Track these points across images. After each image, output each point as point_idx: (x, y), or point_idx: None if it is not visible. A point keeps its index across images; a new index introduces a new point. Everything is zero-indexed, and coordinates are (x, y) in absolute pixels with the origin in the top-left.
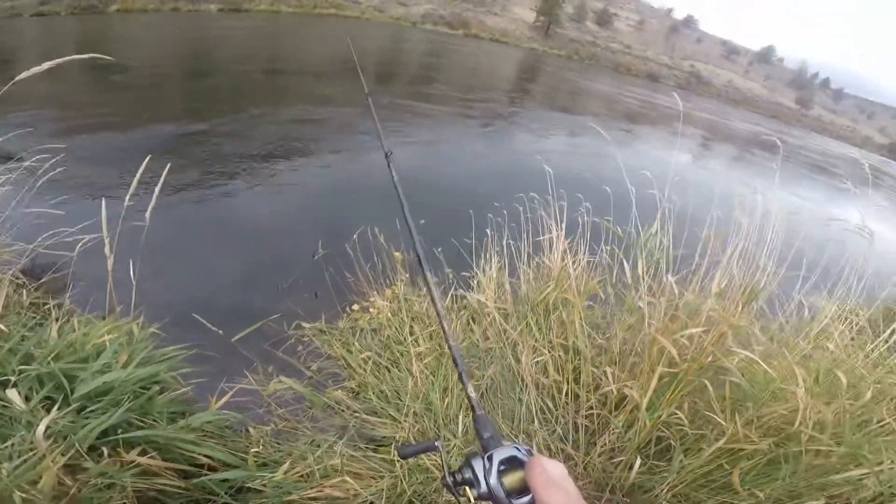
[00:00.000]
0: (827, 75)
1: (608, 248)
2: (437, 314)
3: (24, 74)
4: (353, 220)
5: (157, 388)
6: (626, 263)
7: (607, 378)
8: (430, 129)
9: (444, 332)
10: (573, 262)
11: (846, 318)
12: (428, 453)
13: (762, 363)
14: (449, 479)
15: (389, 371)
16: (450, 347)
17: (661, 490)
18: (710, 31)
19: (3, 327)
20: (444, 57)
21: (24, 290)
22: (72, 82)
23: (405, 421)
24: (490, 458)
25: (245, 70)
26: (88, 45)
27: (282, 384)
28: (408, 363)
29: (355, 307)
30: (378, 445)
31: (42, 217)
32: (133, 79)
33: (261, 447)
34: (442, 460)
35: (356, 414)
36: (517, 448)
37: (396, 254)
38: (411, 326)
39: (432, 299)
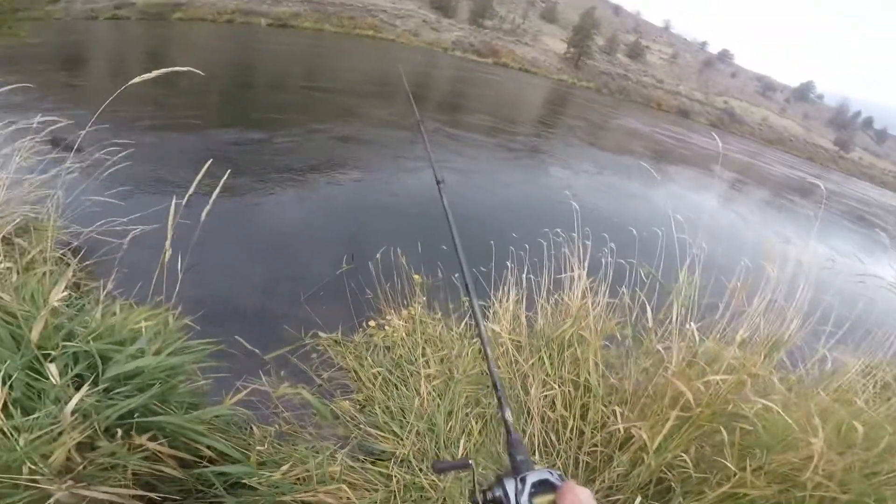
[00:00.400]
0: (870, 114)
1: (629, 290)
2: (482, 340)
3: (136, 79)
4: (379, 239)
5: (181, 377)
6: (648, 306)
7: (616, 417)
8: (461, 155)
9: (487, 357)
10: (593, 302)
11: (870, 373)
12: (456, 470)
13: (781, 412)
14: (479, 497)
15: (398, 389)
16: (491, 373)
17: None
18: (746, 66)
19: (58, 305)
20: (475, 85)
21: (73, 271)
22: (144, 84)
23: (407, 439)
24: (523, 480)
25: (298, 85)
26: (159, 50)
27: (291, 389)
28: (416, 383)
29: (371, 323)
30: (377, 459)
31: (100, 205)
32: (198, 85)
33: (264, 446)
34: (474, 479)
35: (360, 426)
36: (550, 472)
37: (416, 276)
38: (424, 348)
39: (477, 324)
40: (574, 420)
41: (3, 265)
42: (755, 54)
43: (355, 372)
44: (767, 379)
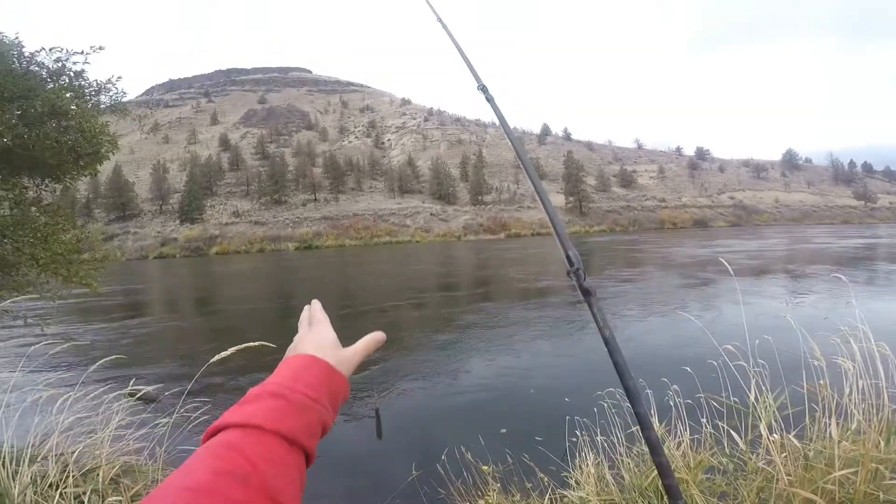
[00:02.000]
0: (863, 160)
1: (706, 422)
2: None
3: (216, 358)
4: (440, 442)
5: None
6: (732, 432)
7: None
8: (502, 340)
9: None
10: (674, 443)
11: None
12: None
13: None
14: None
15: None
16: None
17: None
18: (727, 157)
19: None
20: (496, 267)
21: None
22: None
23: None
24: None
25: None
26: (208, 286)
27: None
28: None
29: None
30: None
31: (190, 449)
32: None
33: None
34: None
35: None
36: None
37: (484, 467)
38: None
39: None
40: None
41: (114, 499)
42: (726, 142)
43: None
44: None
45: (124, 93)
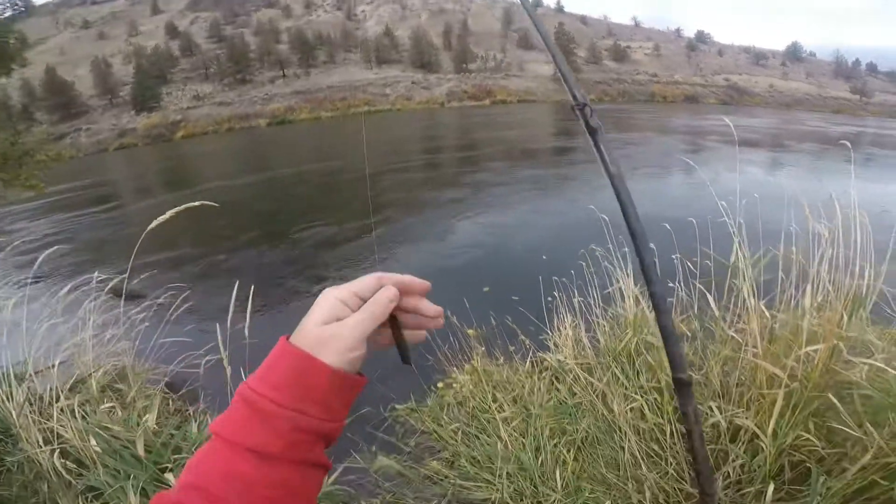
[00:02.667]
0: (869, 59)
1: (682, 286)
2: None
3: (154, 224)
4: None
5: None
6: (708, 295)
7: (714, 412)
8: (488, 203)
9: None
10: (648, 305)
11: None
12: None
13: (889, 369)
14: None
15: (479, 438)
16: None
17: None
18: (728, 42)
19: (155, 425)
20: (481, 130)
21: (170, 400)
22: (176, 218)
23: (499, 482)
24: None
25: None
26: (173, 173)
27: (385, 462)
28: (495, 429)
29: (440, 385)
30: None
31: (177, 344)
32: (221, 209)
33: None
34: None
35: (453, 481)
36: None
37: (470, 331)
38: (494, 394)
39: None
40: (672, 424)
41: (108, 405)
42: (730, 28)
43: (436, 433)
44: (862, 339)
45: None
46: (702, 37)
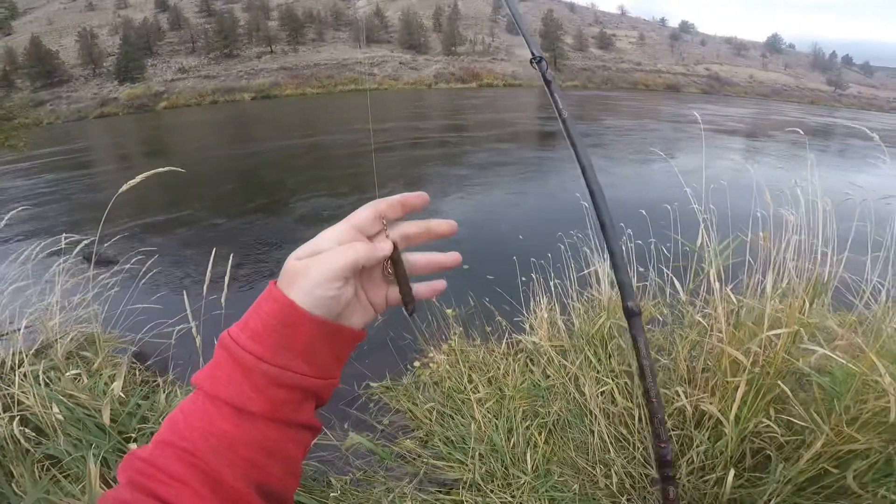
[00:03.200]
0: (845, 52)
1: (654, 270)
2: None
3: (124, 187)
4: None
5: None
6: (676, 282)
7: (680, 397)
8: (476, 186)
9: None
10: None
11: None
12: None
13: (836, 357)
14: None
15: (453, 418)
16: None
17: (764, 502)
18: (710, 32)
19: (122, 394)
20: (470, 112)
21: (137, 370)
22: (145, 184)
23: (471, 463)
24: None
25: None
26: (152, 142)
27: (357, 439)
28: (469, 409)
29: (416, 363)
30: (449, 489)
31: (146, 312)
32: (195, 176)
33: (339, 493)
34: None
35: (426, 461)
36: None
37: (448, 311)
38: (469, 375)
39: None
40: (640, 409)
41: (73, 372)
42: (714, 19)
43: (410, 412)
44: (823, 325)
45: None
46: (685, 27)
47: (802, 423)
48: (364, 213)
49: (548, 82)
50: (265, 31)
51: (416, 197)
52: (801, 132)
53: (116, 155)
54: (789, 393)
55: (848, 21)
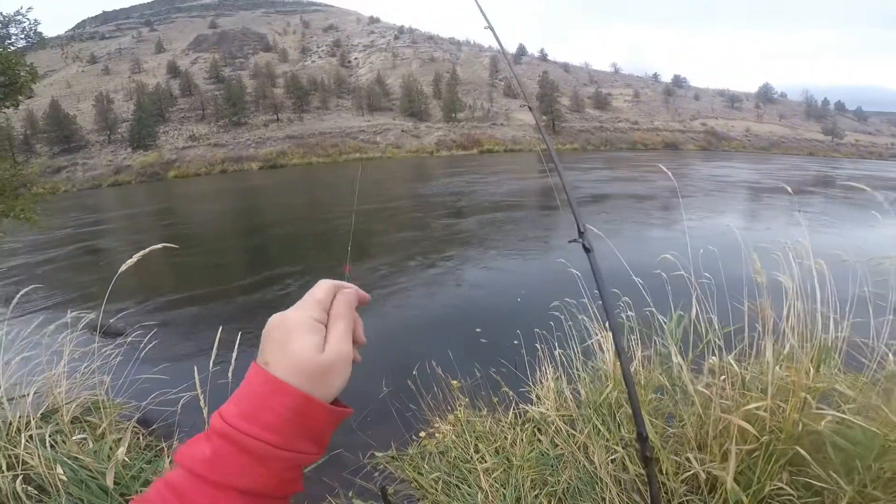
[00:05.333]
0: (837, 98)
1: (661, 338)
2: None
3: (123, 267)
4: (410, 357)
5: None
6: (673, 352)
7: (691, 463)
8: (470, 257)
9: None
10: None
11: None
12: None
13: (853, 419)
14: None
15: (459, 488)
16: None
17: None
18: (703, 86)
19: (126, 458)
20: (468, 188)
21: (141, 435)
22: (151, 261)
23: None
24: None
25: (300, 228)
26: (167, 216)
27: None
28: (476, 479)
29: (422, 434)
30: None
31: (150, 381)
32: (200, 253)
33: None
34: None
35: None
36: None
37: (454, 382)
38: (476, 445)
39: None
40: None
41: (79, 436)
42: (705, 72)
43: (416, 481)
44: (833, 388)
45: (38, 22)
46: (678, 81)
47: (823, 485)
48: (325, 292)
49: (587, 250)
50: (272, 98)
51: (363, 295)
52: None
53: (130, 227)
54: (806, 455)
55: (837, 62)
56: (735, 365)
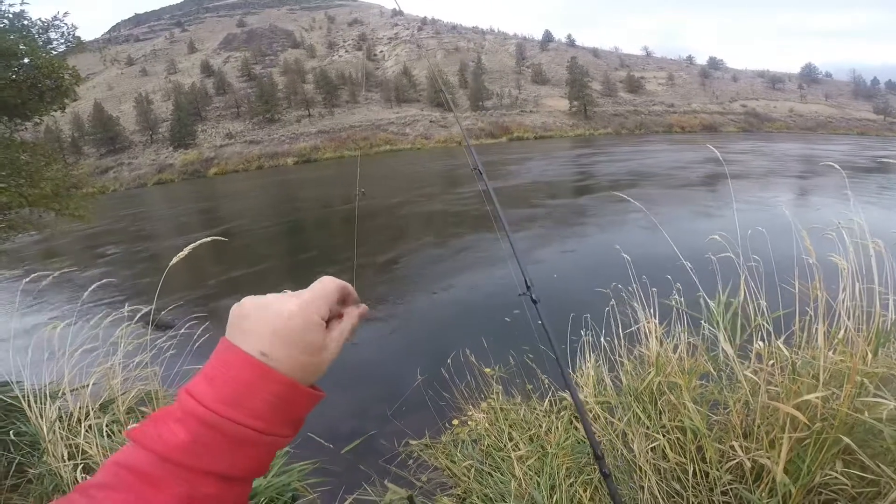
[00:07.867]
0: (887, 77)
1: (704, 324)
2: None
3: (174, 260)
4: (447, 346)
5: (289, 494)
6: (721, 336)
7: (738, 451)
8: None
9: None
10: (672, 346)
11: None
12: None
13: None
14: None
15: (492, 476)
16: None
17: None
18: (740, 67)
19: None
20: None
21: None
22: (199, 252)
23: None
24: None
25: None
26: (211, 211)
27: (395, 494)
28: (510, 467)
29: (455, 422)
30: None
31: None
32: (247, 242)
33: None
34: None
35: None
36: None
37: (487, 370)
38: (510, 433)
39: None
40: (694, 464)
41: (132, 426)
42: (743, 54)
43: (449, 469)
44: (889, 374)
45: (75, 27)
46: (714, 63)
47: (878, 476)
48: (332, 290)
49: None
50: (302, 94)
51: (365, 309)
52: None
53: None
54: (855, 447)
55: (882, 44)
56: (784, 349)
